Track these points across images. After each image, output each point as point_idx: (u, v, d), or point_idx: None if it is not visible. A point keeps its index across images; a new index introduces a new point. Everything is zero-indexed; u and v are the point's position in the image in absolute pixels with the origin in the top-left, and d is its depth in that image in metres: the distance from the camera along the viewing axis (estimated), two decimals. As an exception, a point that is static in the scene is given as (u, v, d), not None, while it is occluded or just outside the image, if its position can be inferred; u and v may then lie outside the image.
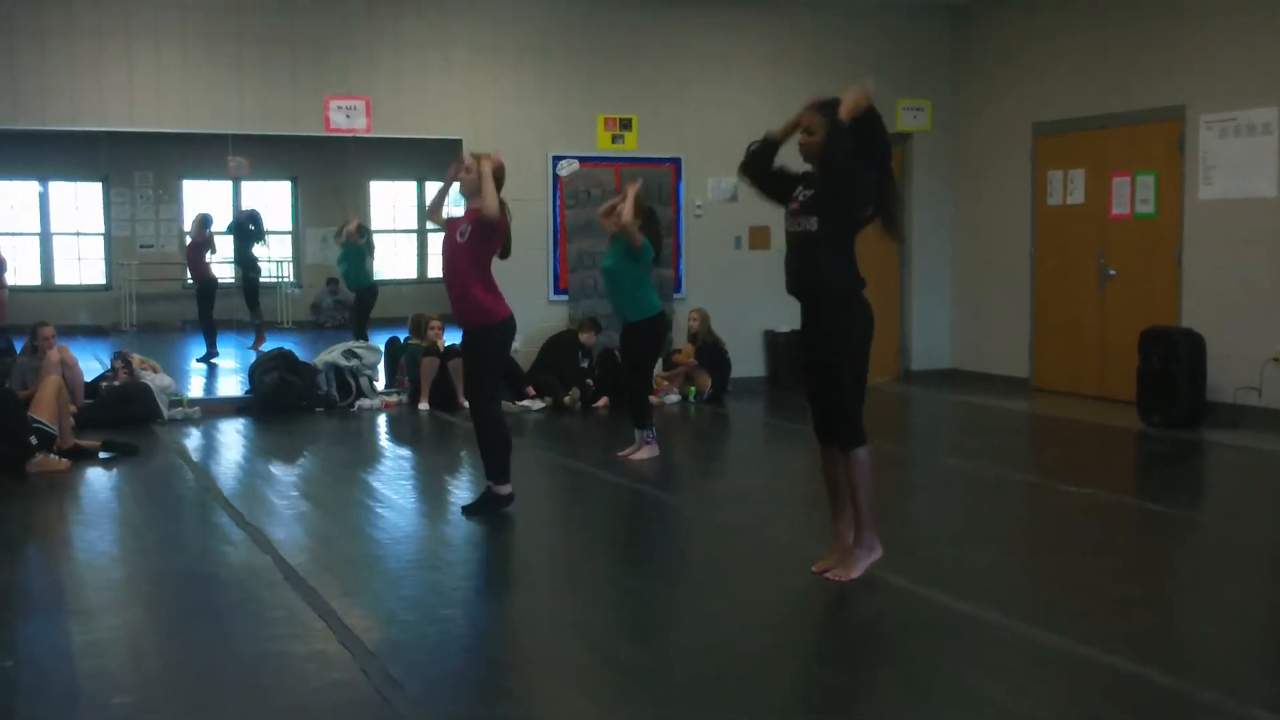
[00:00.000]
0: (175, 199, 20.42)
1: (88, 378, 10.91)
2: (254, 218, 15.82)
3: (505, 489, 7.33)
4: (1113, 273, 12.00)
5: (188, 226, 17.14)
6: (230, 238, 15.92)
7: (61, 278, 20.57)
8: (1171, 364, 10.53)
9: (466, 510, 7.36)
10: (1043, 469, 9.33)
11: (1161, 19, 11.40)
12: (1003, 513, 7.81)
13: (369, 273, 14.84)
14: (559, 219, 12.74)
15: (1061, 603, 5.67)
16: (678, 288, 13.02)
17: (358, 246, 14.66)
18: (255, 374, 11.77)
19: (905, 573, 5.91)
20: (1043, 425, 11.48)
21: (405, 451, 10.32)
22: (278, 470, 9.21)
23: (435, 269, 18.33)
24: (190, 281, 16.15)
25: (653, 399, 10.68)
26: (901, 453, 10.01)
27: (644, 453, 9.14)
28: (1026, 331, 13.10)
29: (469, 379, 7.73)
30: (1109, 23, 11.95)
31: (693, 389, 12.26)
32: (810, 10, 13.28)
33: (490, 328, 7.23)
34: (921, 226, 13.88)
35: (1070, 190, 12.49)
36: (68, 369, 9.83)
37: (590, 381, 11.94)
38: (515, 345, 9.60)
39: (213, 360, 15.03)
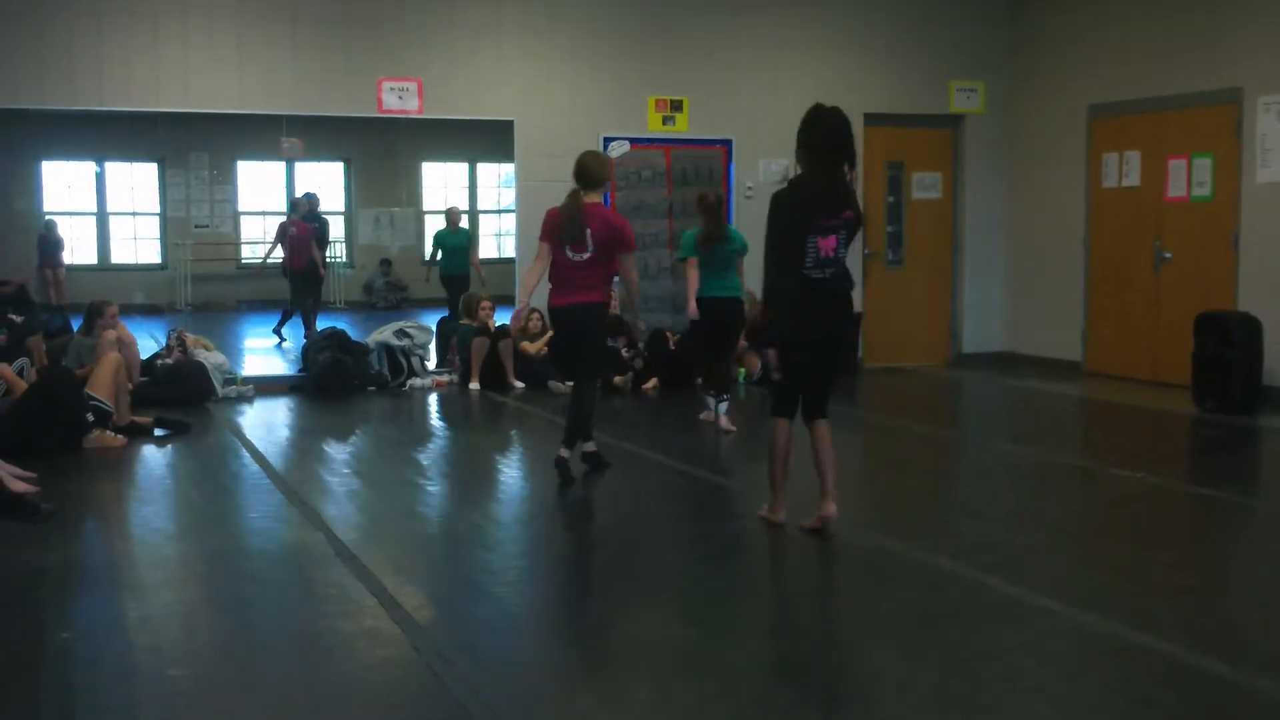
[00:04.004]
0: (230, 180, 20.65)
1: (143, 356, 11.02)
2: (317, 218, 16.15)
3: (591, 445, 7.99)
4: (1168, 256, 11.87)
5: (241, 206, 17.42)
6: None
7: (118, 257, 20.86)
8: (1227, 348, 10.40)
9: (588, 471, 7.85)
10: (1095, 454, 9.26)
11: (1218, 1, 11.24)
12: (1054, 498, 7.75)
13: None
14: (610, 201, 12.72)
15: (1114, 589, 5.63)
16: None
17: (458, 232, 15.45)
18: (308, 353, 11.90)
19: (957, 557, 5.89)
20: (1095, 410, 11.38)
21: (456, 431, 10.38)
22: (330, 448, 9.28)
23: (485, 250, 18.47)
24: (277, 259, 15.87)
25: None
26: (953, 437, 9.97)
27: (724, 421, 9.41)
28: (1079, 315, 12.98)
29: (589, 356, 7.94)
30: (1166, 4, 11.79)
31: (742, 371, 12.24)
32: (863, -10, 13.20)
33: (603, 307, 7.76)
34: (974, 209, 13.78)
35: (1126, 173, 12.35)
36: (125, 347, 9.91)
37: (640, 363, 11.95)
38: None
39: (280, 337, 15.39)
